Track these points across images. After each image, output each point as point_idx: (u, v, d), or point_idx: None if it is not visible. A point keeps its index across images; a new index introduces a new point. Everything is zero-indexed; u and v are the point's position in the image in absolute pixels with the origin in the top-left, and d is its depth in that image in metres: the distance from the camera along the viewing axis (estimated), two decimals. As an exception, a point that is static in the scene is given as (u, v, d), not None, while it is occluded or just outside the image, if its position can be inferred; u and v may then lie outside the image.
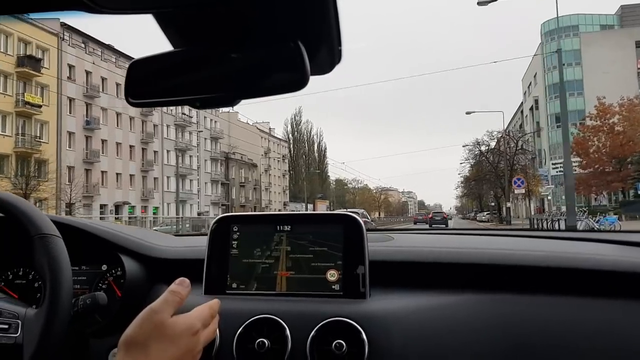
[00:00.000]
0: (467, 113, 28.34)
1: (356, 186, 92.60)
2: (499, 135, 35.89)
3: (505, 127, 38.20)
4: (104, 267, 1.11)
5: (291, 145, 76.47)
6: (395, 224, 52.45)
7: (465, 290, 0.92)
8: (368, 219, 28.02)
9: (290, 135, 75.60)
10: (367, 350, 0.81)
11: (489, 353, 0.82)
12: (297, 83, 0.57)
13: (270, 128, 69.48)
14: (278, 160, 70.32)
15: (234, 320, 0.88)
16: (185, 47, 0.60)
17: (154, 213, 39.64)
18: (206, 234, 1.05)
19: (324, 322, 0.85)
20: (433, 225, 30.00)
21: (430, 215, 38.51)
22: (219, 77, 0.61)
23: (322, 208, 55.14)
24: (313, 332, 0.85)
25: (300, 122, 76.41)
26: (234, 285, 0.99)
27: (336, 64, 0.61)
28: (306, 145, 78.19)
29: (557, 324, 0.83)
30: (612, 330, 0.81)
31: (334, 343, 0.82)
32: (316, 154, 79.25)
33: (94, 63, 34.95)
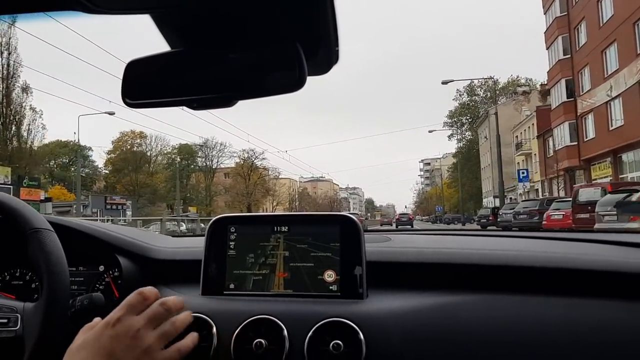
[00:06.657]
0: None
1: (220, 161, 46.64)
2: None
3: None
4: (101, 268, 1.10)
5: None
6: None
7: (463, 291, 0.92)
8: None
9: None
10: (364, 350, 0.81)
11: (486, 354, 0.82)
12: (294, 83, 0.57)
13: None
14: None
15: (231, 321, 0.88)
16: (183, 47, 0.60)
17: None
18: (203, 235, 1.05)
19: (322, 322, 0.85)
20: (399, 227, 31.54)
21: (397, 217, 41.64)
22: (216, 77, 0.61)
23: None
24: (310, 332, 0.84)
25: None
26: (232, 286, 0.99)
27: (333, 65, 0.61)
28: None
29: (557, 325, 0.83)
30: (612, 331, 0.81)
31: (331, 343, 0.82)
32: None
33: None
